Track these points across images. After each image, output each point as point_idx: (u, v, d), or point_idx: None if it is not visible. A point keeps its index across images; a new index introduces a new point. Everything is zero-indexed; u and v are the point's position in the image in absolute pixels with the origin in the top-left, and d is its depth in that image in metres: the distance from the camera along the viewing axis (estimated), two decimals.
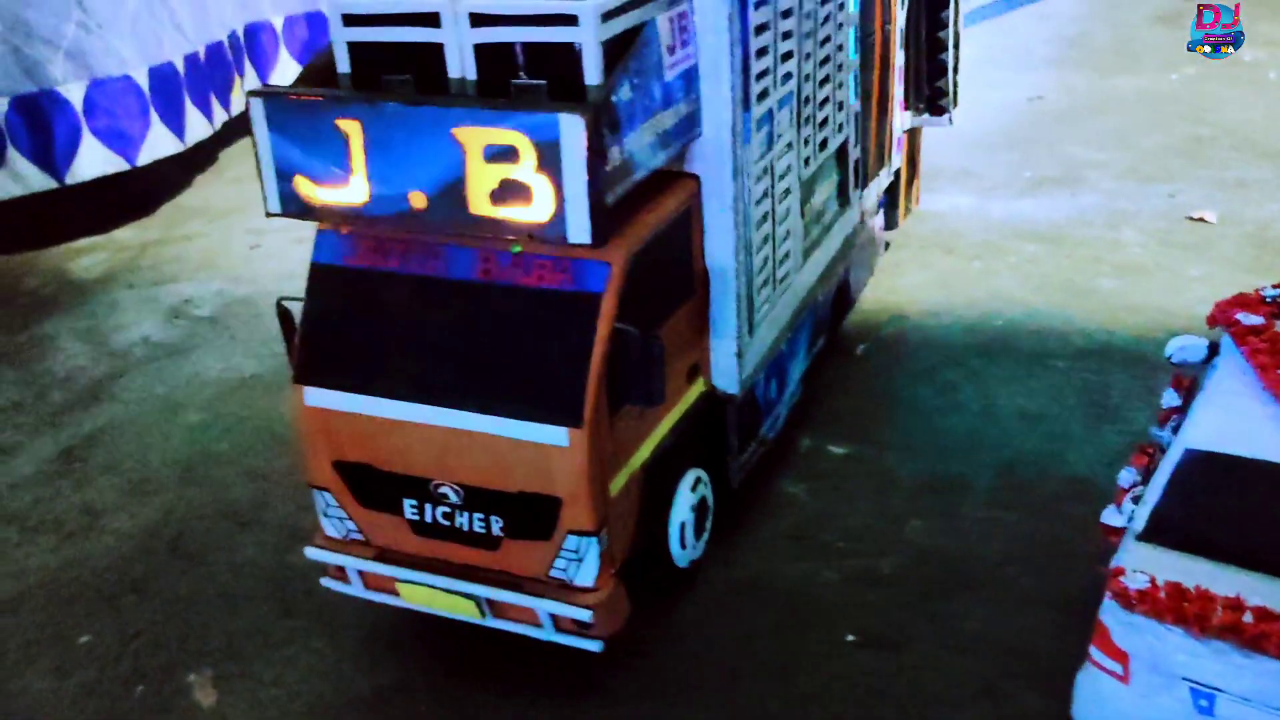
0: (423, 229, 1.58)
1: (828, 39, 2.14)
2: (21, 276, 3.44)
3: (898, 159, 2.81)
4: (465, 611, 1.74)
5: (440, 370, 1.66)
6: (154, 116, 3.69)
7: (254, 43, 4.44)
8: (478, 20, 1.53)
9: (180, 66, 3.82)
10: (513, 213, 1.49)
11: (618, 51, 1.53)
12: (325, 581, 1.85)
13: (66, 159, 3.44)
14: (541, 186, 1.46)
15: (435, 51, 1.58)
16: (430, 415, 1.66)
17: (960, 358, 2.56)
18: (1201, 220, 3.09)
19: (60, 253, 3.59)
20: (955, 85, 2.88)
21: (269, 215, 1.66)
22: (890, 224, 2.88)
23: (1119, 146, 3.65)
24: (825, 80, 2.16)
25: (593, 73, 1.50)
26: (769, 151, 1.92)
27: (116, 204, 3.84)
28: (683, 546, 1.88)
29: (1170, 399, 1.92)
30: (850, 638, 1.83)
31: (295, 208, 1.63)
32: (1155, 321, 2.63)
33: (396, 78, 1.58)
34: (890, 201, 2.83)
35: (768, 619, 1.89)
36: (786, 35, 1.93)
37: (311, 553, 1.83)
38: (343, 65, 1.63)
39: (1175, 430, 1.81)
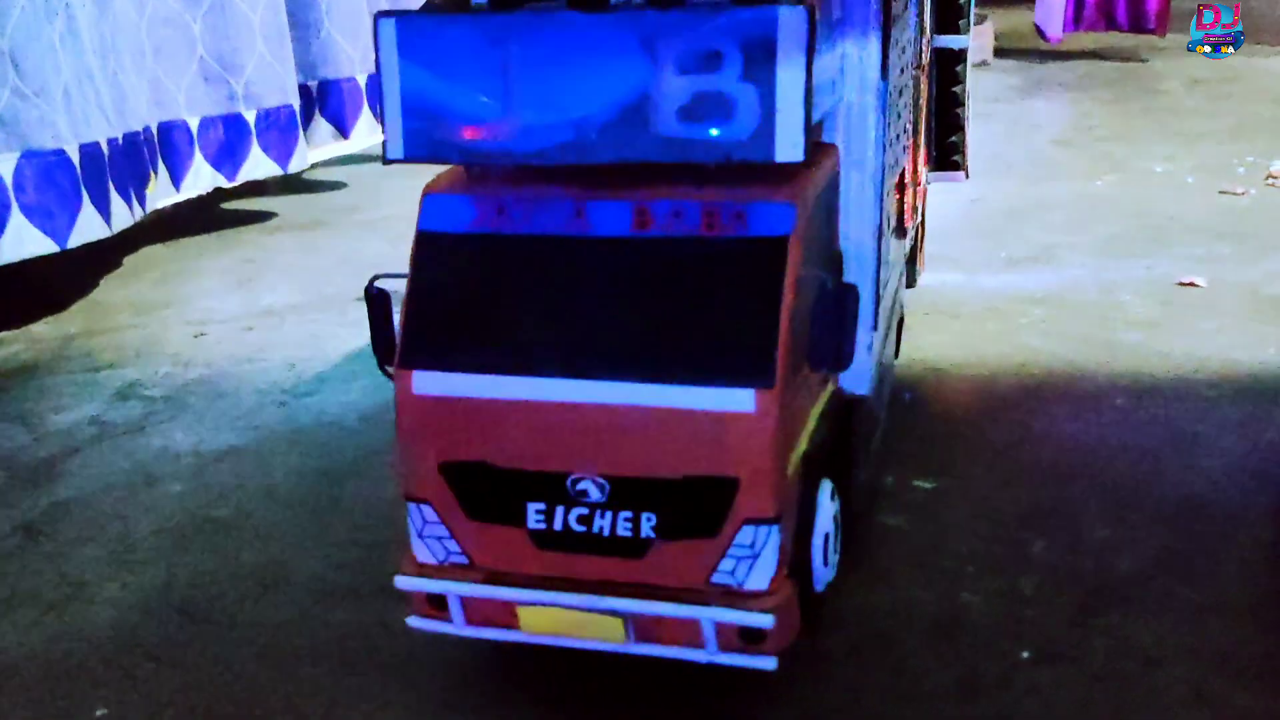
0: (592, 159, 1.37)
1: (904, 52, 2.07)
2: None
3: (920, 211, 2.75)
4: (605, 635, 1.46)
5: (588, 339, 1.42)
6: (85, 196, 3.37)
7: (167, 141, 4.17)
8: None
9: (105, 149, 3.53)
10: (707, 130, 1.31)
11: None
12: (413, 622, 1.54)
13: None
14: (746, 97, 1.29)
15: None
16: (574, 390, 1.40)
17: (1017, 401, 2.44)
18: (1192, 285, 3.12)
19: None
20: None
21: (387, 162, 1.43)
22: (910, 281, 2.80)
23: (1079, 232, 3.71)
24: (901, 93, 2.08)
25: None
26: (888, 134, 1.80)
27: (21, 298, 3.47)
28: (825, 564, 1.65)
29: None
30: (1025, 654, 1.63)
31: (425, 149, 1.41)
32: (1193, 364, 2.59)
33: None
34: (911, 257, 2.75)
35: (923, 642, 1.66)
36: (896, 19, 1.84)
37: (402, 582, 1.53)
38: None
39: None
